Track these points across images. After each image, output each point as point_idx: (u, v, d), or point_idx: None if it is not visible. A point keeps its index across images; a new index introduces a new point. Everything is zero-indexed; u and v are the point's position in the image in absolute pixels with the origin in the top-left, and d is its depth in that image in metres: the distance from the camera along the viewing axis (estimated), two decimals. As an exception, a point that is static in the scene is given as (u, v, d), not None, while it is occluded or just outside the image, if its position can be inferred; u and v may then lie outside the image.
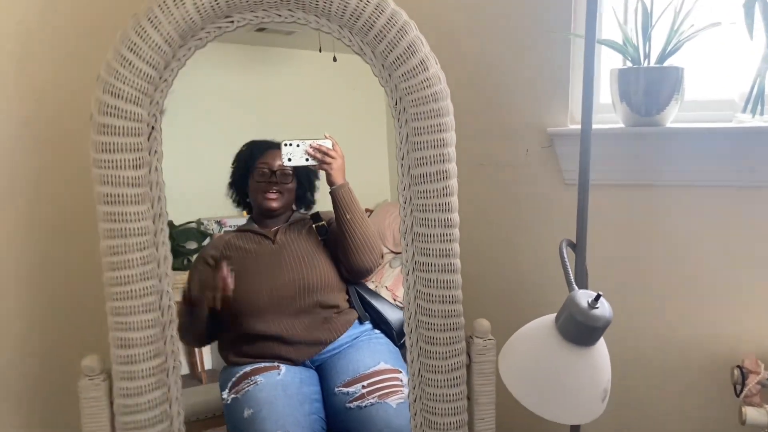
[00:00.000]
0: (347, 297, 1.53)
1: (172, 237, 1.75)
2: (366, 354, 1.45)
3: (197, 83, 1.66)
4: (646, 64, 1.37)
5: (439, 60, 1.20)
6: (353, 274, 1.50)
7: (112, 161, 1.12)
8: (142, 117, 1.13)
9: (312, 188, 1.60)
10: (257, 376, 1.38)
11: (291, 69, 1.74)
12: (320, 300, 1.46)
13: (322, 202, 1.55)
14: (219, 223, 1.66)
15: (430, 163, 1.20)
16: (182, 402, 1.23)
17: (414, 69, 1.18)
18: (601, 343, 1.04)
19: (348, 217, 1.42)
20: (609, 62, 1.50)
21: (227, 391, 1.40)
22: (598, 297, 1.00)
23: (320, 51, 1.54)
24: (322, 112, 1.70)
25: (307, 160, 1.40)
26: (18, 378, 1.50)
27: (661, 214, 1.43)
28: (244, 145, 1.56)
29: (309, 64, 1.69)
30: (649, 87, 1.36)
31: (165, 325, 1.20)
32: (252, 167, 1.52)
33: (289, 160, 1.39)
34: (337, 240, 1.47)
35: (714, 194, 1.38)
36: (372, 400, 1.33)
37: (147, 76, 1.12)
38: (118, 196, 1.13)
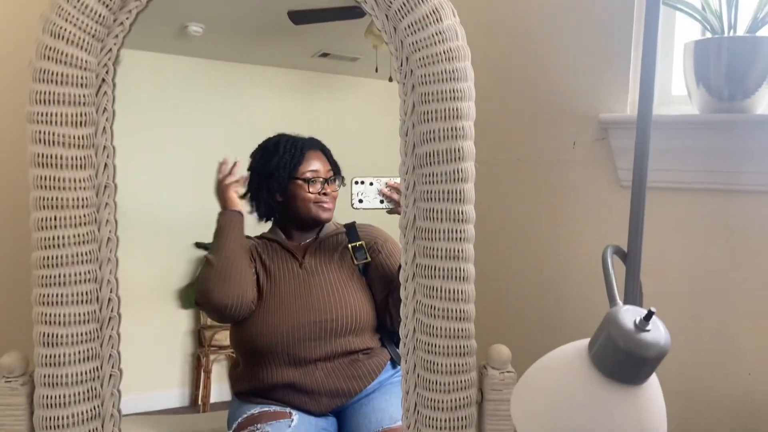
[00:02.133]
0: (379, 335, 1.29)
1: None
2: (393, 402, 1.22)
3: (255, 105, 1.63)
4: (730, 35, 1.08)
5: (463, 25, 0.97)
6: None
7: (48, 115, 0.93)
8: (90, 65, 0.94)
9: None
10: (265, 425, 1.17)
11: (354, 96, 1.65)
12: (348, 343, 1.24)
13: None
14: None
15: (440, 138, 0.95)
16: (118, 421, 1.00)
17: (423, 19, 0.94)
18: (653, 382, 0.74)
19: None
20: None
21: (232, 430, 1.19)
22: (650, 315, 0.71)
23: (376, 71, 1.39)
24: (385, 142, 1.55)
25: (381, 201, 1.20)
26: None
27: (745, 226, 1.12)
28: (272, 145, 1.33)
29: (372, 92, 1.58)
30: (734, 63, 1.07)
31: (103, 322, 0.98)
32: (293, 174, 1.29)
33: (360, 201, 1.20)
34: (392, 286, 1.24)
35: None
36: None
37: (98, 15, 0.93)
38: (53, 157, 0.93)
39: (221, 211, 1.28)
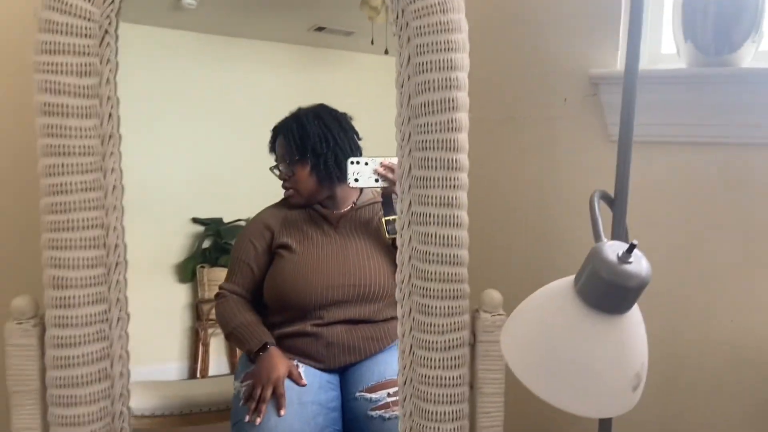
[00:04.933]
0: None
1: (219, 234, 1.61)
2: (397, 356, 1.24)
3: (250, 80, 1.65)
4: (717, -9, 1.11)
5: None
6: None
7: (54, 64, 0.95)
8: (93, 15, 0.96)
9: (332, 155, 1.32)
10: None
11: (349, 70, 1.67)
12: (376, 311, 1.28)
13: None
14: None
15: (434, 89, 0.98)
16: (127, 362, 1.05)
17: (418, -29, 0.96)
18: (635, 312, 0.78)
19: None
20: None
21: (239, 381, 1.23)
22: (632, 248, 0.75)
23: (372, 43, 1.42)
24: (380, 116, 1.58)
25: (376, 180, 1.25)
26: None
27: (733, 179, 1.16)
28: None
29: (367, 67, 1.62)
30: (720, 19, 1.09)
31: (110, 267, 1.02)
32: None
33: (356, 180, 1.24)
34: None
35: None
36: (398, 412, 1.10)
37: (100, -34, 0.95)
38: (59, 106, 0.96)
39: (263, 354, 1.23)
